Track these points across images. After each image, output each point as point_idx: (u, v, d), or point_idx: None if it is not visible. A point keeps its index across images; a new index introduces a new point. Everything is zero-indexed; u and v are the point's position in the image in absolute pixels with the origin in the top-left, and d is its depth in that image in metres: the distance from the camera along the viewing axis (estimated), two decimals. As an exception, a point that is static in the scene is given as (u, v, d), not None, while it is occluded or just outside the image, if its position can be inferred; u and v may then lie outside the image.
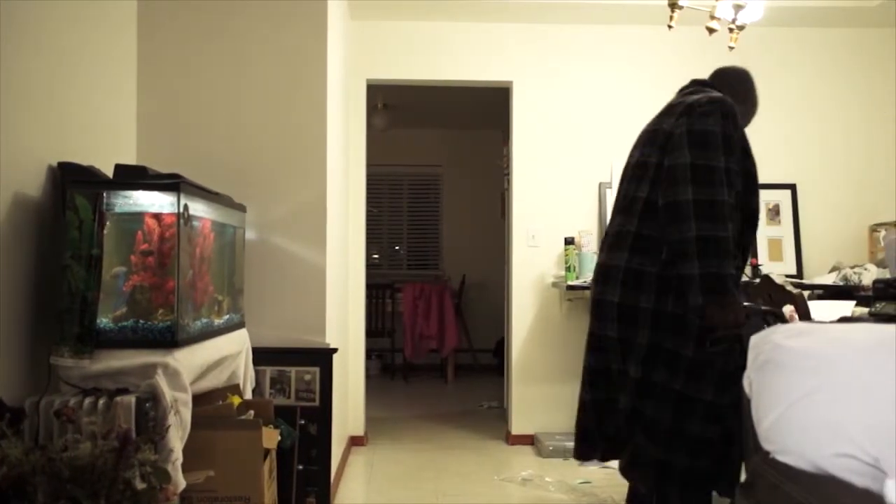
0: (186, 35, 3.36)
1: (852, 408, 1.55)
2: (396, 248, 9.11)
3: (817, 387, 1.59)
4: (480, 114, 7.45)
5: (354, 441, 4.98)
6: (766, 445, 1.66)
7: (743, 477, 1.97)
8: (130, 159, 3.12)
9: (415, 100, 7.32)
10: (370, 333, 7.64)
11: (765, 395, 1.68)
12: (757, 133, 5.07)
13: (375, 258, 9.01)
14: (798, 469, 1.57)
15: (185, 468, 2.33)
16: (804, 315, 2.84)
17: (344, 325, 4.68)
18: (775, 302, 3.04)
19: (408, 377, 8.02)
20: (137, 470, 1.91)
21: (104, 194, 2.27)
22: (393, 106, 7.54)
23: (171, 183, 2.33)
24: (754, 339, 1.78)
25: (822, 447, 1.55)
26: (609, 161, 4.98)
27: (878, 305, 2.84)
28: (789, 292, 2.90)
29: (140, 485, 1.88)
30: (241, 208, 3.10)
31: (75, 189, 2.25)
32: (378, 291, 7.86)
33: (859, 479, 1.52)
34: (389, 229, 9.09)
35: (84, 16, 2.65)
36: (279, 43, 3.40)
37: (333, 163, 3.69)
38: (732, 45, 3.66)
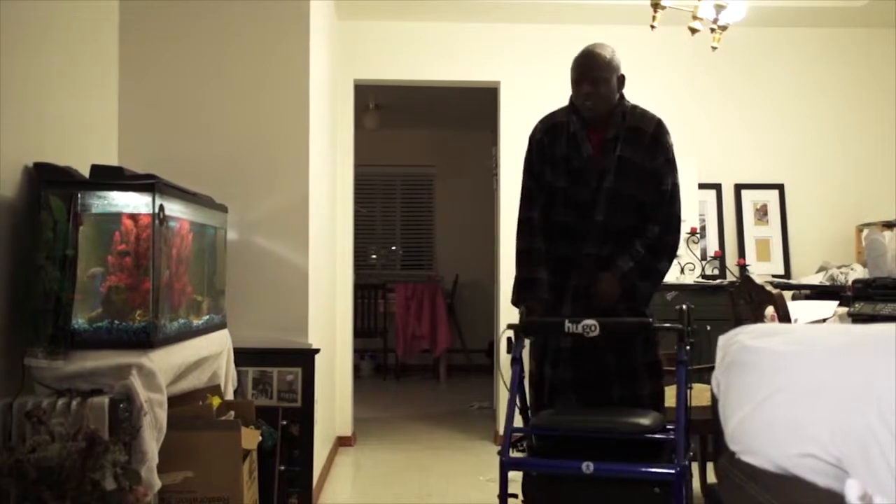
0: (168, 35, 3.36)
1: (815, 408, 1.55)
2: (393, 248, 9.11)
3: (781, 387, 1.59)
4: (473, 114, 7.45)
5: (342, 441, 4.98)
6: (732, 446, 1.66)
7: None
8: (112, 160, 3.12)
9: (407, 100, 7.32)
10: (363, 334, 7.67)
11: (731, 396, 1.68)
12: (745, 133, 5.12)
13: (374, 258, 9.02)
14: (762, 469, 1.57)
15: (164, 469, 2.32)
16: (783, 315, 2.85)
17: (331, 325, 4.68)
18: (755, 302, 3.04)
19: (400, 377, 8.02)
20: (109, 471, 1.92)
21: (79, 195, 2.28)
22: (385, 106, 7.54)
23: (145, 183, 2.33)
24: (722, 340, 1.79)
25: (785, 447, 1.55)
26: (597, 161, 4.98)
27: (856, 306, 2.85)
28: (769, 292, 2.90)
29: (110, 485, 1.88)
30: (223, 209, 3.10)
31: (50, 189, 2.25)
32: (370, 292, 7.86)
33: (822, 479, 1.53)
34: (383, 230, 9.09)
35: (65, 15, 2.65)
36: (262, 42, 3.40)
37: (317, 163, 3.69)
38: (715, 45, 3.67)
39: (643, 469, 2.35)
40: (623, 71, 3.01)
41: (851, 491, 1.42)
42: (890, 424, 1.49)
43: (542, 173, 3.00)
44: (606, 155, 2.93)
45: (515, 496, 2.50)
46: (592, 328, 2.52)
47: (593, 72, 2.89)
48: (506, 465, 2.49)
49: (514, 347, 2.71)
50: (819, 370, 1.58)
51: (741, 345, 1.70)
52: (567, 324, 2.57)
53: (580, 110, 2.96)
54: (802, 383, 1.58)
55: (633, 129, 2.96)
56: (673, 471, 2.27)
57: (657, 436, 2.47)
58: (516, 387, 2.68)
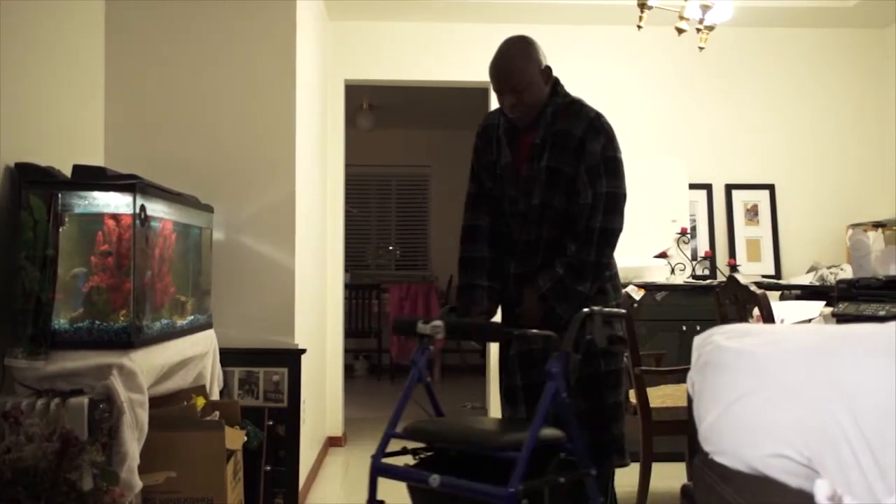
0: (154, 36, 3.36)
1: (787, 408, 1.55)
2: (390, 248, 9.11)
3: (754, 387, 1.59)
4: (467, 114, 7.44)
5: (332, 442, 4.98)
6: (705, 447, 1.65)
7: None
8: (98, 161, 3.12)
9: (400, 100, 7.32)
10: (357, 334, 7.68)
11: (705, 396, 1.68)
12: (736, 133, 5.13)
13: (371, 258, 9.02)
14: (734, 470, 1.57)
15: (147, 469, 2.33)
16: (768, 316, 2.85)
17: (321, 325, 4.68)
18: (740, 302, 3.04)
19: (394, 378, 8.02)
20: (87, 471, 1.92)
21: (59, 195, 2.28)
22: (378, 106, 7.55)
23: (126, 184, 2.33)
24: (697, 341, 1.78)
25: (757, 448, 1.55)
26: (587, 161, 4.98)
27: (840, 306, 2.86)
28: (753, 293, 2.90)
29: (88, 486, 1.88)
30: (208, 209, 3.10)
31: (30, 190, 2.25)
32: (364, 292, 7.86)
33: (794, 479, 1.52)
34: (378, 230, 9.09)
35: (51, 16, 2.65)
36: (248, 43, 3.40)
37: (304, 163, 3.69)
38: (702, 45, 3.67)
39: (478, 488, 2.13)
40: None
41: (820, 491, 1.42)
42: (861, 424, 1.49)
43: (481, 179, 2.85)
44: (532, 163, 2.68)
45: (383, 502, 2.36)
46: (438, 329, 2.40)
47: (512, 81, 2.63)
48: (375, 470, 2.36)
49: (415, 351, 2.52)
50: (791, 370, 1.58)
51: (715, 345, 1.70)
52: (419, 324, 2.44)
53: (509, 116, 2.73)
54: (775, 383, 1.58)
55: (560, 133, 2.66)
56: (502, 493, 2.04)
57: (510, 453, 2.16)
58: (410, 390, 2.49)
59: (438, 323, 2.41)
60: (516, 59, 2.65)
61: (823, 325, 2.80)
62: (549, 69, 2.72)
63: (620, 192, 2.66)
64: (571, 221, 2.65)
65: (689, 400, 1.78)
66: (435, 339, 2.50)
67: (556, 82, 2.75)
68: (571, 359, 2.29)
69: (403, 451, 2.44)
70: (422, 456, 2.44)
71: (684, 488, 1.77)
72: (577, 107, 2.71)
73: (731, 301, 3.12)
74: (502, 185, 2.76)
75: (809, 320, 3.18)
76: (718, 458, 1.61)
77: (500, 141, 2.76)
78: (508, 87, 2.64)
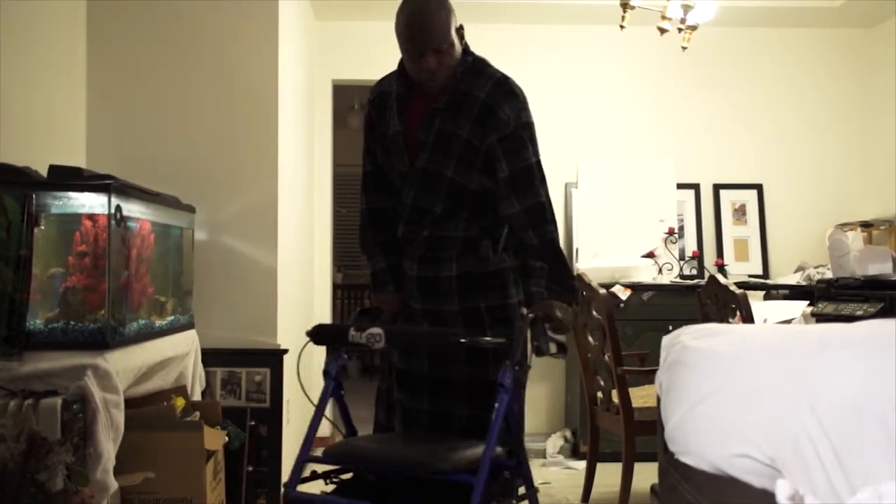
0: (136, 36, 3.35)
1: (751, 408, 1.55)
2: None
3: (718, 387, 1.60)
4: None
5: (320, 441, 4.96)
6: (671, 446, 1.66)
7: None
8: (80, 162, 3.12)
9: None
10: (348, 334, 7.65)
11: (671, 396, 1.68)
12: (724, 133, 5.13)
13: (363, 258, 9.01)
14: (697, 470, 1.57)
15: (126, 470, 2.32)
16: (747, 316, 2.85)
17: (308, 325, 4.67)
18: (721, 302, 3.04)
19: (386, 377, 8.01)
20: (59, 472, 1.91)
21: (34, 195, 2.27)
22: (370, 106, 7.54)
23: (101, 184, 2.32)
24: (665, 341, 1.79)
25: (721, 447, 1.56)
26: (575, 161, 4.98)
27: (820, 305, 2.86)
28: (733, 293, 2.91)
29: (58, 486, 1.88)
30: (190, 209, 3.09)
31: (4, 190, 2.24)
32: (357, 292, 7.86)
33: (757, 479, 1.53)
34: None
35: (31, 16, 2.65)
36: (229, 43, 3.39)
37: (287, 163, 3.69)
38: (685, 45, 3.67)
39: None
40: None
41: (781, 491, 1.42)
42: (823, 423, 1.49)
43: (376, 154, 2.50)
44: (428, 129, 2.34)
45: None
46: (378, 338, 2.11)
47: (436, 39, 2.26)
48: (289, 502, 2.09)
49: (327, 360, 2.31)
50: (755, 370, 1.58)
51: (683, 345, 1.70)
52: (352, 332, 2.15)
53: (422, 83, 2.36)
54: (739, 383, 1.59)
55: (462, 95, 2.33)
56: None
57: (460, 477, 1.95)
58: (324, 406, 2.26)
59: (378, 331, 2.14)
60: (439, 16, 2.29)
61: (789, 325, 2.81)
62: (462, 27, 2.39)
63: (538, 159, 2.37)
64: (458, 193, 2.34)
65: (658, 400, 1.78)
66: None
67: (466, 43, 2.42)
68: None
69: (314, 476, 2.22)
70: (334, 480, 2.22)
71: (653, 487, 1.77)
72: (482, 66, 2.39)
73: (713, 301, 3.12)
74: (394, 155, 2.43)
75: (790, 320, 3.19)
76: (683, 458, 1.61)
77: (393, 107, 2.42)
78: (431, 46, 2.27)
